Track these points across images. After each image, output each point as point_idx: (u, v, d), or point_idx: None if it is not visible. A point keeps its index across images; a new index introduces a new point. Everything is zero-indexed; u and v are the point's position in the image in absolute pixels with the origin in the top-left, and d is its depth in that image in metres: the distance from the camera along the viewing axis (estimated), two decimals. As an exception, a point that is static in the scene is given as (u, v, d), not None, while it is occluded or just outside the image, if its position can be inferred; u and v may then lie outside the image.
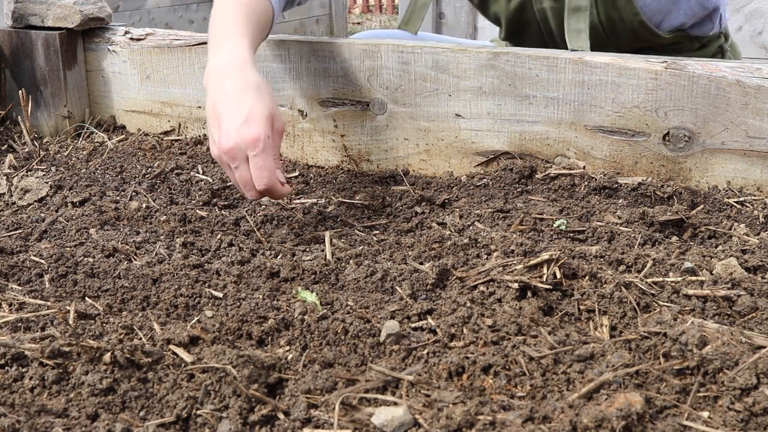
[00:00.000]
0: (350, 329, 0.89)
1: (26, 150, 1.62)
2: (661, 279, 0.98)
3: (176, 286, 1.02)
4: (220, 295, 1.00)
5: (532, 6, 1.61)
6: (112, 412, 0.77)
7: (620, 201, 1.29)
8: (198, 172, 1.50)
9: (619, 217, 1.21)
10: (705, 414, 0.73)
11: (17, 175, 1.47)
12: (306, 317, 0.92)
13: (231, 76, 1.17)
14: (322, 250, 1.15)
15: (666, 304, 0.93)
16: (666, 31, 1.57)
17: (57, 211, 1.33)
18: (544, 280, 0.94)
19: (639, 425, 0.70)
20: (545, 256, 0.97)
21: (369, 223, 1.28)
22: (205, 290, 1.01)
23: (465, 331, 0.87)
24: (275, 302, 0.98)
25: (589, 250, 1.08)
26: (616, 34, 1.57)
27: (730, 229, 1.19)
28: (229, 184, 1.45)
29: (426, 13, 1.66)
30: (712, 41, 1.65)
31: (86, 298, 1.01)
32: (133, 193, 1.41)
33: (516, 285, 0.94)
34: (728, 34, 1.71)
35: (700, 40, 1.62)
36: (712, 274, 1.00)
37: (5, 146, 1.66)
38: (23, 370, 0.82)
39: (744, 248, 1.11)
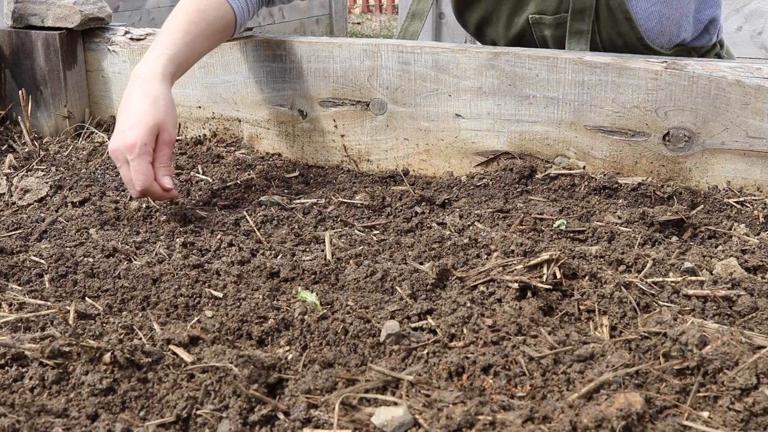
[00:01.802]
0: (350, 329, 0.89)
1: (26, 150, 1.62)
2: (661, 279, 0.98)
3: (176, 286, 1.02)
4: (220, 295, 1.00)
5: (533, 34, 1.59)
6: (112, 412, 0.77)
7: (620, 201, 1.29)
8: (198, 172, 1.50)
9: (619, 217, 1.21)
10: (705, 414, 0.73)
11: (17, 175, 1.47)
12: (306, 317, 0.92)
13: (137, 86, 1.30)
14: (322, 250, 1.15)
15: (666, 304, 0.93)
16: (668, 48, 1.57)
17: (57, 211, 1.33)
18: (544, 280, 0.94)
19: (639, 425, 0.70)
20: (545, 256, 0.97)
21: (369, 223, 1.28)
22: (205, 290, 1.01)
23: (465, 331, 0.87)
24: (275, 302, 0.98)
25: (589, 250, 1.08)
26: (617, 51, 1.57)
27: (730, 229, 1.19)
28: (229, 184, 1.45)
29: (425, 22, 1.65)
30: (710, 51, 1.65)
31: (86, 298, 1.01)
32: (133, 193, 1.41)
33: (516, 285, 0.94)
34: (723, 41, 1.72)
35: (698, 51, 1.62)
36: (712, 274, 1.00)
37: (5, 146, 1.66)
38: (23, 370, 0.82)
39: (744, 248, 1.11)
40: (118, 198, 1.39)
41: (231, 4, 1.45)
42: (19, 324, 0.93)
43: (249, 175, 1.49)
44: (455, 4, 1.70)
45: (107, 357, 0.81)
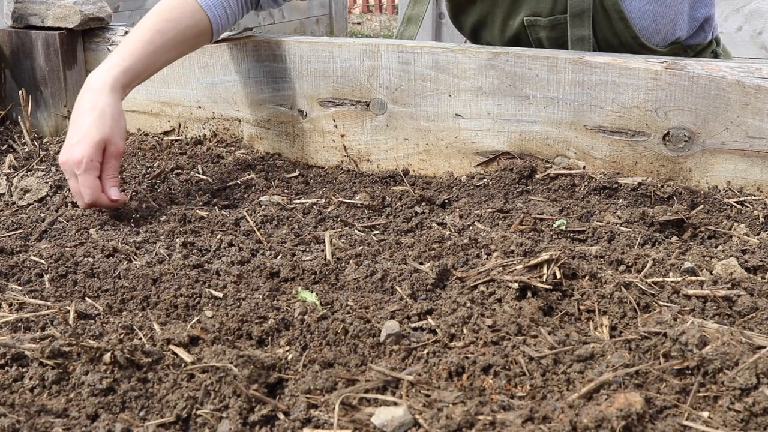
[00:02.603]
0: (350, 329, 0.89)
1: (26, 150, 1.62)
2: (661, 279, 0.98)
3: (176, 286, 1.02)
4: (220, 295, 1.00)
5: (528, 36, 1.59)
6: (112, 412, 0.77)
7: (620, 201, 1.29)
8: (198, 172, 1.50)
9: (619, 217, 1.21)
10: (705, 414, 0.73)
11: (17, 175, 1.47)
12: (306, 317, 0.92)
13: (86, 97, 1.32)
14: (322, 250, 1.15)
15: (666, 304, 0.93)
16: (663, 46, 1.57)
17: (57, 211, 1.33)
18: (544, 280, 0.94)
19: (639, 425, 0.70)
20: (545, 256, 0.97)
21: (369, 223, 1.28)
22: (205, 290, 1.01)
23: (465, 331, 0.87)
24: (275, 302, 0.98)
25: (589, 250, 1.08)
26: (613, 51, 1.57)
27: (730, 229, 1.19)
28: (229, 184, 1.45)
29: (421, 24, 1.65)
30: (706, 48, 1.65)
31: (86, 298, 1.01)
32: (133, 193, 1.41)
33: (516, 285, 0.94)
34: (719, 38, 1.72)
35: (694, 48, 1.63)
36: (712, 274, 1.00)
37: (5, 146, 1.66)
38: (23, 370, 0.82)
39: (744, 248, 1.11)
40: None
41: (206, 12, 1.46)
42: (19, 324, 0.93)
43: (249, 175, 1.49)
44: (451, 7, 1.69)
45: (107, 357, 0.81)
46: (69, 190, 1.41)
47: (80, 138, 1.27)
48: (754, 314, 0.90)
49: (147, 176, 1.48)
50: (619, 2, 1.48)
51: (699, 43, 1.63)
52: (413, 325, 0.90)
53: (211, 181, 1.46)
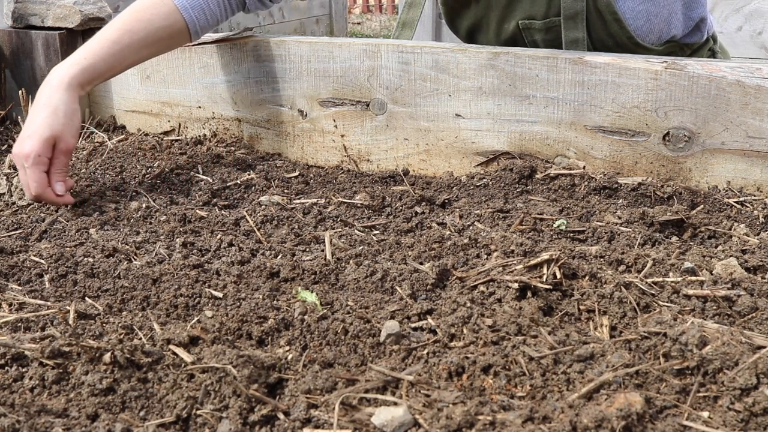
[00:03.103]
0: (350, 329, 0.89)
1: (26, 150, 1.62)
2: (661, 279, 0.98)
3: (176, 286, 1.02)
4: (220, 295, 1.00)
5: (524, 39, 1.59)
6: (112, 412, 0.77)
7: (620, 201, 1.29)
8: (198, 172, 1.50)
9: (619, 217, 1.21)
10: (705, 414, 0.73)
11: (17, 175, 1.47)
12: (306, 317, 0.92)
13: (44, 92, 1.35)
14: (322, 250, 1.15)
15: (666, 304, 0.93)
16: (659, 45, 1.58)
17: (57, 211, 1.33)
18: (544, 280, 0.94)
19: (639, 425, 0.70)
20: (545, 256, 0.97)
21: (369, 223, 1.28)
22: (205, 290, 1.01)
23: (465, 331, 0.87)
24: (275, 302, 0.97)
25: (589, 250, 1.08)
26: (609, 51, 1.57)
27: (730, 229, 1.19)
28: (229, 184, 1.45)
29: (416, 28, 1.64)
30: (702, 47, 1.66)
31: (86, 298, 1.01)
32: (133, 193, 1.41)
33: (516, 285, 0.94)
34: (716, 36, 1.72)
35: (691, 47, 1.63)
36: (712, 274, 1.00)
37: (5, 146, 1.66)
38: (23, 370, 0.82)
39: (744, 248, 1.11)
40: (118, 198, 1.39)
41: (182, 14, 1.46)
42: (19, 324, 0.93)
43: (249, 175, 1.49)
44: (446, 11, 1.70)
45: (107, 357, 0.81)
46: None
47: (31, 133, 1.31)
48: (754, 314, 0.90)
49: (147, 176, 1.48)
50: (612, 3, 1.48)
51: (696, 42, 1.63)
52: (413, 325, 0.90)
53: (211, 181, 1.46)
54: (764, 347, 0.80)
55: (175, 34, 1.47)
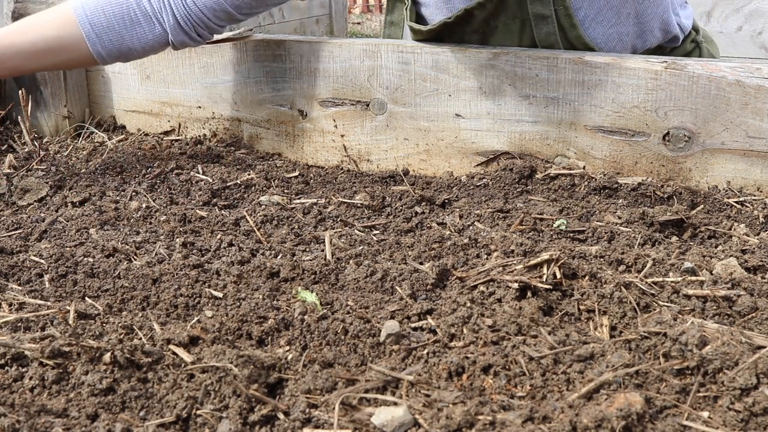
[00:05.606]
0: (350, 329, 0.89)
1: (26, 150, 1.62)
2: (661, 279, 0.98)
3: (176, 286, 1.02)
4: (220, 295, 1.00)
5: None
6: (112, 412, 0.77)
7: (620, 201, 1.29)
8: (198, 172, 1.50)
9: (619, 217, 1.21)
10: (705, 414, 0.73)
11: (17, 175, 1.47)
12: (306, 317, 0.92)
13: None
14: (322, 250, 1.15)
15: (666, 304, 0.93)
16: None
17: (57, 211, 1.33)
18: (544, 280, 0.94)
19: (639, 425, 0.70)
20: (545, 256, 0.97)
21: (369, 223, 1.28)
22: (205, 290, 1.01)
23: (465, 331, 0.87)
24: (275, 302, 0.98)
25: (589, 250, 1.08)
26: None
27: (730, 229, 1.19)
28: (229, 184, 1.45)
29: (404, 29, 1.64)
30: (685, 41, 1.64)
31: (86, 298, 1.01)
32: (133, 193, 1.41)
33: (516, 285, 0.94)
34: (698, 27, 1.70)
35: (671, 46, 1.62)
36: (712, 274, 1.00)
37: (5, 146, 1.66)
38: (23, 370, 0.82)
39: (744, 248, 1.11)
40: (118, 198, 1.39)
41: (81, 27, 1.40)
42: (19, 324, 0.93)
43: (249, 175, 1.49)
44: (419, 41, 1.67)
45: (107, 357, 0.81)
46: (69, 190, 1.41)
47: None
48: (754, 314, 0.90)
49: (147, 176, 1.48)
50: (582, 35, 1.45)
51: (675, 45, 1.62)
52: (413, 325, 0.90)
53: (211, 181, 1.46)
54: (764, 347, 0.80)
55: (67, 46, 1.42)
